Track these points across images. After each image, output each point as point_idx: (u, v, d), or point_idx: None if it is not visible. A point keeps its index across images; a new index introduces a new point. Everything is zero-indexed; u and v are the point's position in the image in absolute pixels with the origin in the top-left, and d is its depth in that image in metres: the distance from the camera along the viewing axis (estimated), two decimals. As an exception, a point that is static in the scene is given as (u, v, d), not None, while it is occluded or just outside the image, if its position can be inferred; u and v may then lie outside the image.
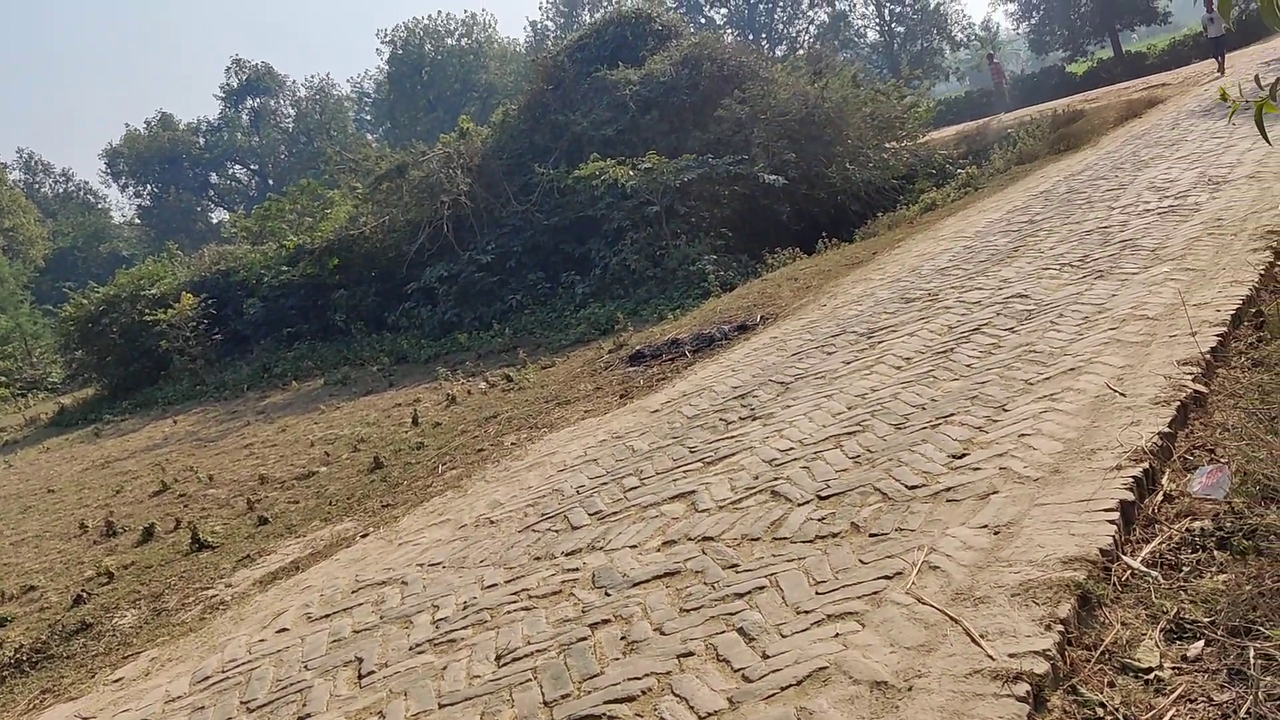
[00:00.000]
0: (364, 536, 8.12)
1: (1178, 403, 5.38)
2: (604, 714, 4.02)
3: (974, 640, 3.69)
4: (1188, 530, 4.22)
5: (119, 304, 25.60)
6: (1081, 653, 3.57)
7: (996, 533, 4.48)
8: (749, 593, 4.63)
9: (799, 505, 5.54)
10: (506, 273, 21.36)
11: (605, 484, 7.22)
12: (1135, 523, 4.40)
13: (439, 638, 5.29)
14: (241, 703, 5.28)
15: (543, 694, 4.34)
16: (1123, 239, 9.96)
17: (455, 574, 6.29)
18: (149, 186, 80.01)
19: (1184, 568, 3.99)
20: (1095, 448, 5.08)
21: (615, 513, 6.49)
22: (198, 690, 5.66)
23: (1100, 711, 3.28)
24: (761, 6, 70.04)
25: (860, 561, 4.61)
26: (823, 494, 5.60)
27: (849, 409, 7.16)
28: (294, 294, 24.14)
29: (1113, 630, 3.67)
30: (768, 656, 4.03)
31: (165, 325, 23.41)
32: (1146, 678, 3.40)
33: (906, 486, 5.32)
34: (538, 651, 4.74)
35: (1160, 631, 3.60)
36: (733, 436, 7.40)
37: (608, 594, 5.15)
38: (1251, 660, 3.29)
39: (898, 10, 66.14)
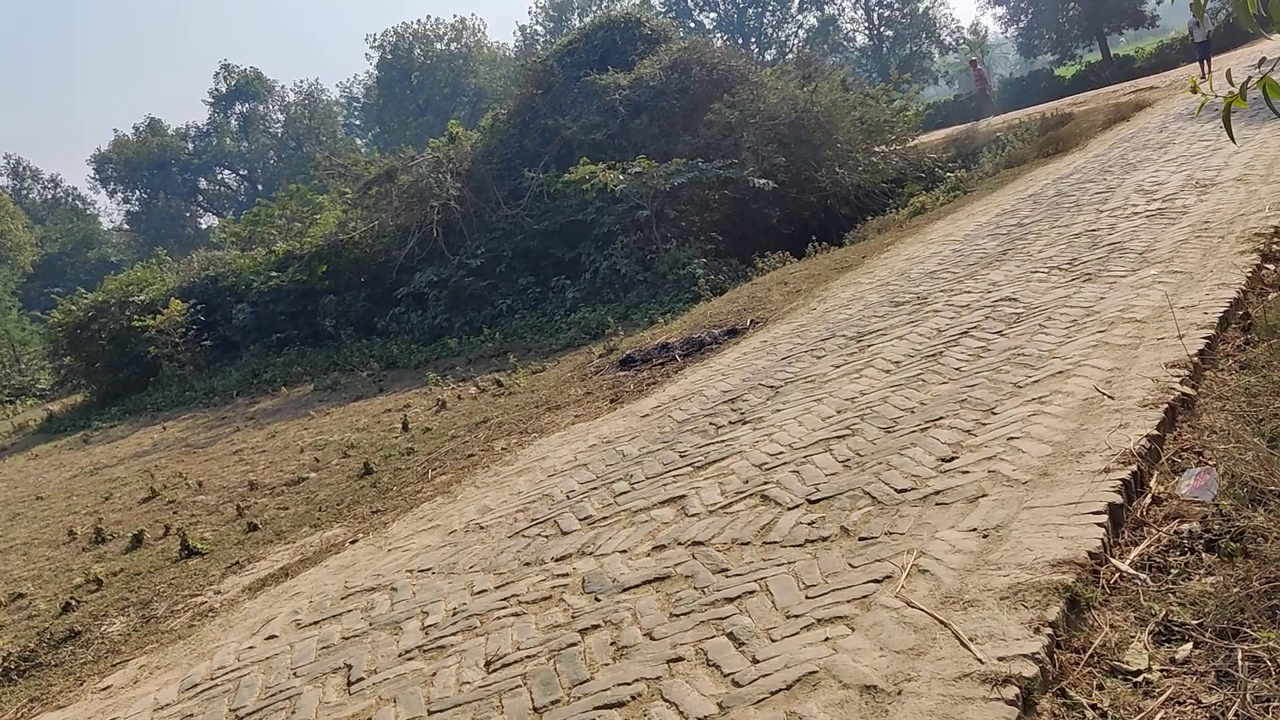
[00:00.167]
0: (353, 543, 8.10)
1: (1166, 405, 5.40)
2: (594, 720, 4.02)
3: (963, 644, 3.69)
4: (1176, 533, 4.23)
5: (108, 310, 25.50)
6: (1070, 655, 3.58)
7: (985, 536, 4.48)
8: (739, 597, 4.62)
9: (789, 509, 5.54)
10: (496, 277, 21.35)
11: (595, 489, 7.21)
12: (1124, 525, 4.41)
13: (428, 644, 5.28)
14: (230, 710, 5.25)
15: (532, 700, 4.33)
16: (1111, 242, 9.99)
17: (445, 580, 6.27)
18: (137, 192, 79.77)
19: (1172, 570, 4.00)
20: (1084, 450, 5.09)
21: (605, 518, 6.48)
22: (186, 698, 5.63)
23: (1089, 714, 3.28)
24: (750, 11, 70.17)
25: (850, 565, 4.61)
26: (812, 498, 5.60)
27: (838, 413, 7.17)
28: (283, 299, 24.08)
29: (1101, 633, 3.67)
30: (757, 661, 4.03)
31: (154, 331, 23.32)
32: (1135, 680, 3.40)
33: (896, 490, 5.33)
34: (527, 657, 4.73)
35: (1149, 634, 3.61)
36: (723, 441, 7.40)
37: (598, 599, 5.14)
38: (1239, 662, 3.30)
39: (886, 14, 66.33)
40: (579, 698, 4.22)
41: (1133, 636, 3.62)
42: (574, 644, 4.70)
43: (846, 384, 7.88)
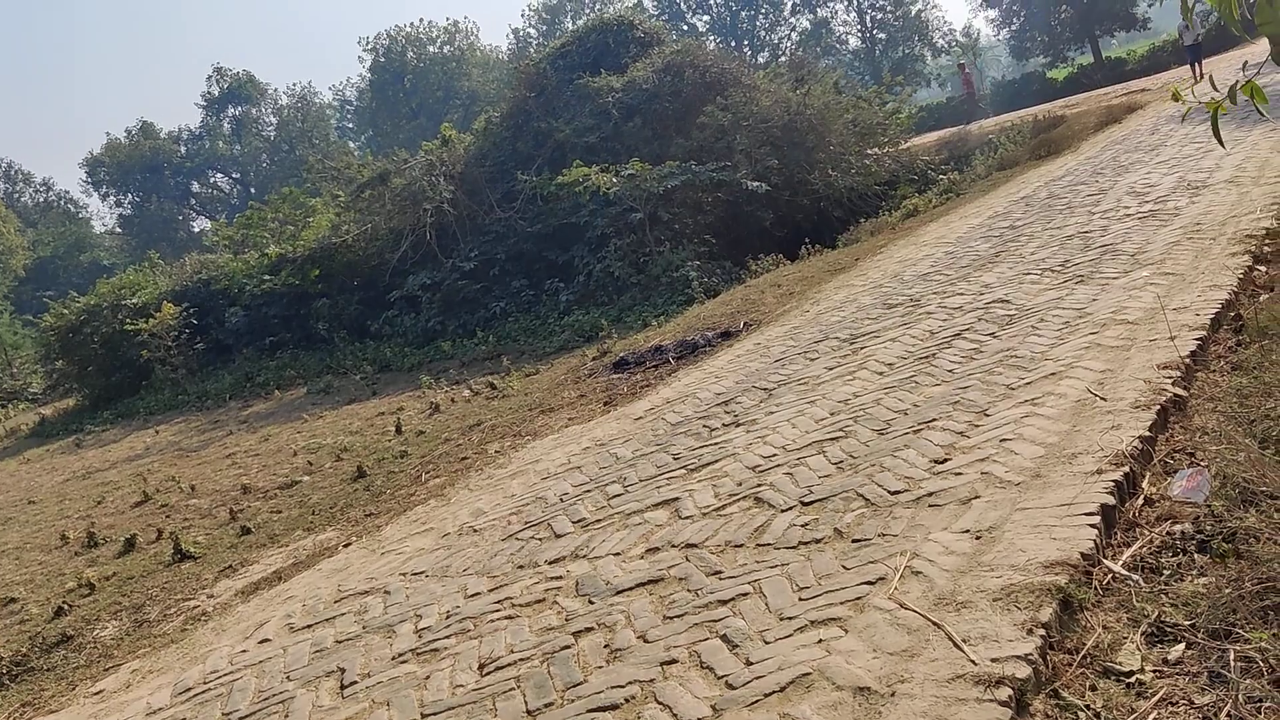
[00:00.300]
0: (347, 546, 8.09)
1: (1158, 407, 5.41)
2: (587, 722, 4.01)
3: (956, 645, 3.69)
4: (1168, 534, 4.24)
5: (100, 313, 25.43)
6: (1063, 656, 3.58)
7: (978, 537, 4.49)
8: (732, 599, 4.62)
9: (782, 511, 5.54)
10: (490, 280, 21.34)
11: (589, 491, 7.21)
12: (1116, 526, 4.42)
13: (422, 647, 5.27)
14: (223, 714, 5.24)
15: (526, 703, 4.33)
16: (1103, 244, 10.01)
17: (438, 583, 6.26)
18: (130, 195, 79.63)
19: (1165, 571, 4.00)
20: (1076, 452, 5.10)
21: (599, 520, 6.48)
22: (179, 702, 5.62)
23: (1082, 715, 3.29)
24: (744, 14, 70.27)
25: (843, 567, 4.62)
26: (806, 500, 5.60)
27: (832, 415, 7.18)
28: (276, 303, 24.04)
29: (1094, 634, 3.68)
30: (751, 663, 4.03)
31: (147, 335, 23.27)
32: (1128, 681, 3.41)
33: (889, 492, 5.33)
34: (521, 660, 4.73)
35: (1141, 635, 3.62)
36: (716, 443, 7.40)
37: (591, 602, 5.14)
38: (1232, 663, 3.30)
39: (879, 17, 66.49)
40: (573, 700, 4.22)
41: (1125, 637, 3.63)
42: (567, 646, 4.70)
43: (840, 386, 7.89)
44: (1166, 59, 39.92)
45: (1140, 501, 4.58)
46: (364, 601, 6.34)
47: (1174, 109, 20.70)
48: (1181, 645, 3.50)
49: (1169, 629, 3.61)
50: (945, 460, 5.55)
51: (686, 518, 5.96)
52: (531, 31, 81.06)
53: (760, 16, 70.73)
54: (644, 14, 47.44)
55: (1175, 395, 5.58)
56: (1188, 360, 6.05)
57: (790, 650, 4.03)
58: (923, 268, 11.97)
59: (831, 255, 16.68)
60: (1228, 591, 3.64)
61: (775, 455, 6.63)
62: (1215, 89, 2.74)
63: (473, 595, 5.81)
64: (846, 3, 68.07)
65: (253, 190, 76.66)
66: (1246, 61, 2.94)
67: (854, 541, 4.86)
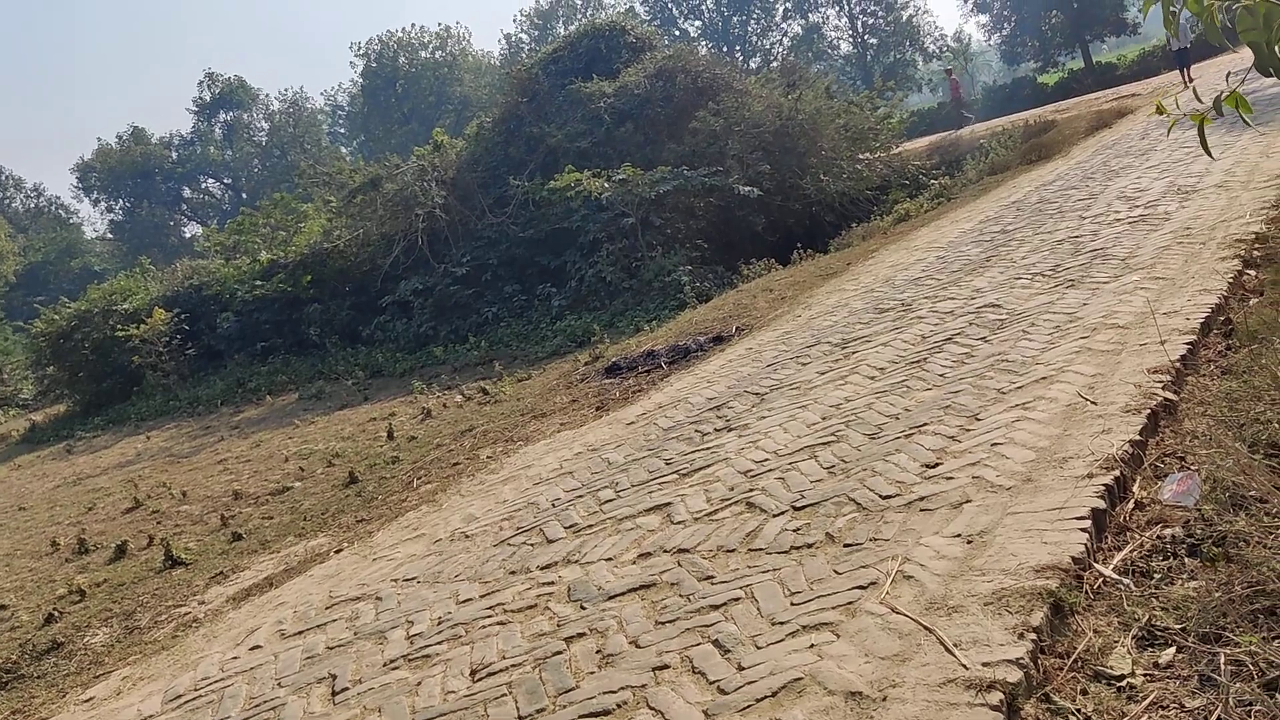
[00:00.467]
0: (338, 552, 8.07)
1: (1148, 411, 5.42)
2: (579, 728, 4.01)
3: (948, 649, 3.69)
4: (1159, 537, 4.25)
5: (91, 319, 25.38)
6: (1054, 661, 3.59)
7: (970, 542, 4.49)
8: (724, 604, 4.62)
9: (774, 516, 5.54)
10: (482, 285, 21.34)
11: (581, 497, 7.21)
12: (1107, 530, 4.43)
13: (413, 653, 5.26)
14: (214, 721, 5.23)
15: (518, 709, 4.32)
16: (1094, 248, 10.04)
17: (430, 589, 6.25)
18: (121, 201, 79.42)
19: (1155, 575, 4.01)
20: (1067, 456, 5.11)
21: (591, 526, 6.47)
22: (170, 709, 5.60)
23: (1073, 719, 3.29)
24: (735, 19, 70.37)
25: (835, 572, 4.62)
26: (798, 505, 5.60)
27: (823, 419, 7.18)
28: (268, 308, 24.01)
29: (1085, 638, 3.68)
30: (743, 668, 4.03)
31: (138, 340, 23.24)
32: (1119, 685, 3.41)
33: (880, 496, 5.34)
34: (513, 666, 4.72)
35: (1132, 639, 3.62)
36: (708, 448, 7.40)
37: (583, 607, 5.13)
38: (1222, 667, 3.31)
39: (871, 22, 66.64)
40: (565, 706, 4.21)
41: (1116, 641, 3.63)
42: (559, 652, 4.70)
43: (831, 390, 7.90)
44: (1157, 64, 40.05)
45: (1131, 505, 4.59)
46: (355, 608, 6.33)
47: (1165, 115, 20.77)
48: (1172, 649, 3.51)
49: (1160, 633, 3.61)
50: (937, 465, 5.56)
51: (678, 523, 5.96)
52: (524, 37, 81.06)
53: (752, 22, 70.82)
54: (636, 19, 47.44)
55: (1165, 399, 5.60)
56: (1178, 364, 6.07)
57: (782, 655, 4.03)
58: (914, 272, 11.99)
59: (823, 260, 16.71)
60: (1218, 595, 3.65)
61: (767, 460, 6.63)
62: (1199, 100, 2.75)
63: (465, 601, 5.80)
64: (838, 8, 68.26)
65: (244, 196, 76.48)
66: (1230, 72, 2.95)
67: (846, 546, 4.86)
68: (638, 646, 4.51)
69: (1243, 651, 3.33)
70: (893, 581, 4.33)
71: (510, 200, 22.41)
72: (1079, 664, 3.55)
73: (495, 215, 22.52)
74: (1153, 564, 4.09)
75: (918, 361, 7.91)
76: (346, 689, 5.09)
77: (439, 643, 5.29)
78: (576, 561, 5.87)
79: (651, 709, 3.98)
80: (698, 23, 71.50)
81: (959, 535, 4.58)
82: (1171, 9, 2.72)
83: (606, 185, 19.98)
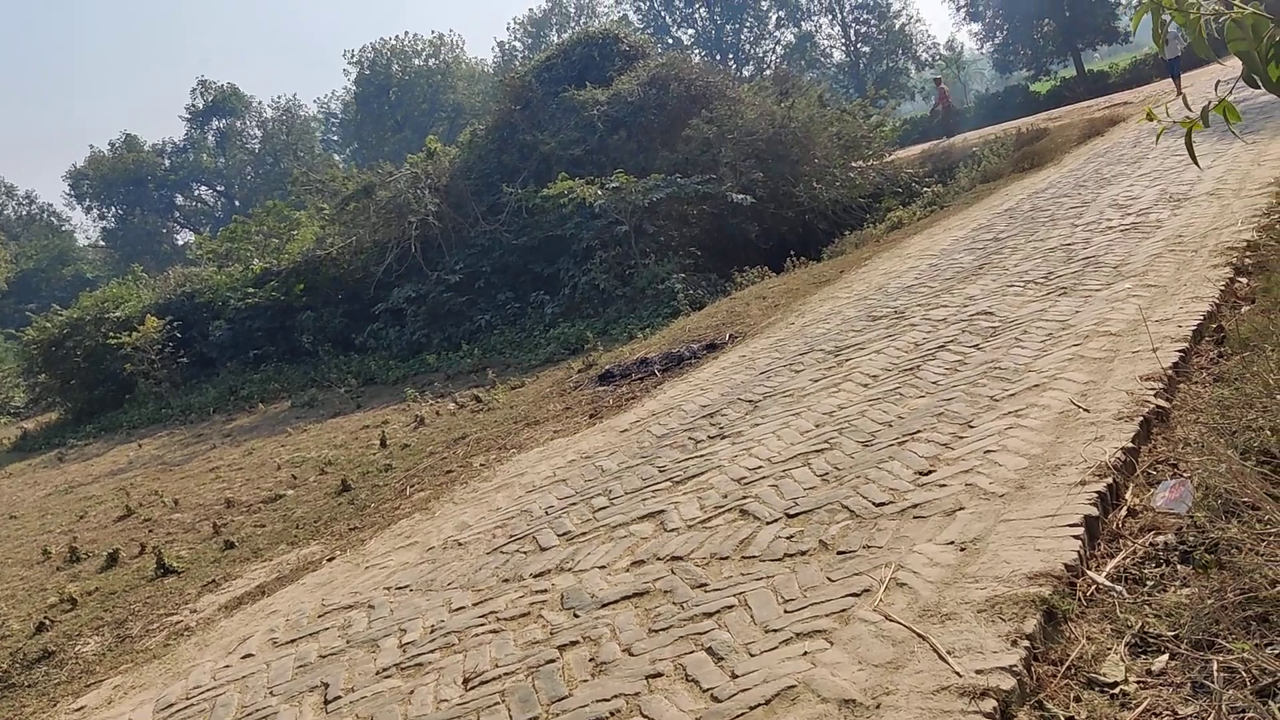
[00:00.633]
0: (331, 560, 8.05)
1: (1140, 418, 5.43)
2: (572, 737, 4.00)
3: (941, 657, 3.69)
4: (1151, 544, 4.26)
5: (83, 327, 25.31)
6: (1048, 668, 3.59)
7: (963, 549, 4.49)
8: (718, 612, 4.62)
9: (767, 524, 5.54)
10: (475, 293, 21.33)
11: (574, 504, 7.20)
12: (1100, 537, 4.43)
13: (406, 661, 5.25)
14: (206, 730, 5.21)
15: (510, 717, 4.31)
16: (1086, 256, 10.06)
17: (422, 597, 6.24)
18: (113, 208, 79.27)
19: (1148, 582, 4.01)
20: (1060, 463, 5.11)
21: (584, 533, 6.47)
22: (162, 718, 5.58)
23: (1066, 727, 3.29)
24: (728, 27, 70.52)
25: (828, 579, 4.62)
26: (791, 512, 5.60)
27: (817, 427, 7.18)
28: (260, 316, 23.97)
29: (1078, 645, 3.68)
30: (736, 676, 4.03)
31: (130, 348, 23.18)
32: (1112, 692, 3.41)
33: (874, 504, 5.34)
34: (506, 674, 4.71)
35: (1125, 646, 3.62)
36: (701, 455, 7.40)
37: (576, 615, 5.13)
38: (1215, 674, 3.31)
39: (863, 31, 66.81)
40: (558, 715, 4.20)
41: (1109, 648, 3.63)
42: (553, 660, 4.69)
43: (824, 398, 7.90)
44: (1148, 72, 40.18)
45: (1123, 512, 4.60)
46: (348, 616, 6.31)
47: (1155, 123, 20.85)
48: (1165, 656, 3.51)
49: (1152, 640, 3.62)
50: (930, 472, 5.56)
51: (672, 530, 5.95)
52: (517, 45, 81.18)
53: (745, 30, 70.97)
54: (629, 27, 47.59)
55: (1158, 407, 5.61)
56: (1170, 372, 6.08)
57: (776, 663, 4.03)
58: (907, 280, 12.01)
59: (816, 267, 16.73)
60: (1210, 602, 3.65)
61: (761, 467, 6.63)
62: (1189, 108, 2.76)
63: (457, 609, 5.79)
64: (831, 16, 68.44)
65: (237, 203, 76.44)
66: (1220, 80, 2.96)
67: (839, 553, 4.86)
68: (631, 654, 4.50)
69: (1235, 659, 3.34)
70: (886, 589, 4.33)
71: (503, 207, 22.41)
72: (1072, 671, 3.55)
73: (488, 222, 22.52)
74: (1145, 571, 4.09)
75: (911, 369, 7.92)
76: (339, 697, 5.07)
77: (432, 651, 5.27)
78: (570, 569, 5.86)
79: (644, 717, 3.97)
80: (691, 31, 71.63)
81: (952, 542, 4.59)
82: (1162, 20, 2.72)
83: (600, 193, 19.99)
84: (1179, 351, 6.41)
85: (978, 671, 3.54)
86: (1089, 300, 8.33)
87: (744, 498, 6.09)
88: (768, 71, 52.73)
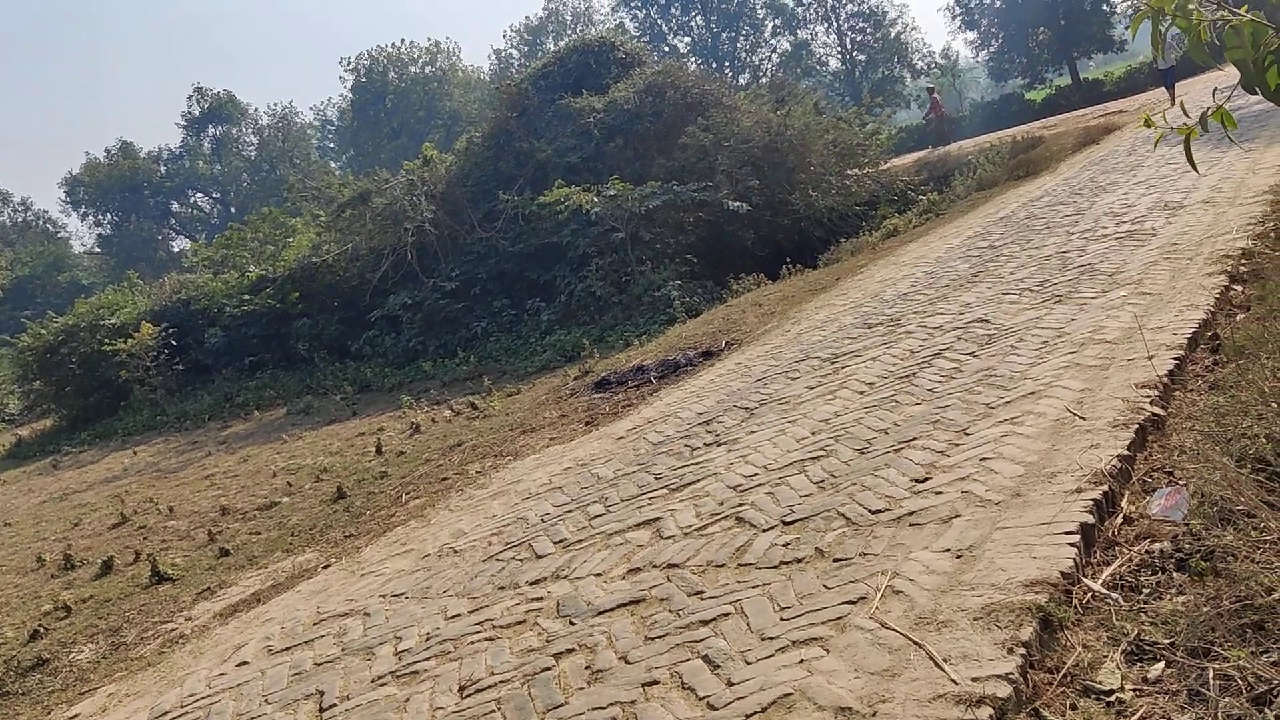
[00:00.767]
0: (326, 567, 8.04)
1: (1136, 426, 5.44)
2: (568, 745, 3.99)
3: (937, 664, 3.69)
4: (1147, 552, 4.26)
5: (78, 334, 25.27)
6: (1044, 675, 3.58)
7: (959, 556, 4.49)
8: (714, 620, 4.61)
9: (764, 531, 5.54)
10: (471, 300, 21.33)
11: (570, 512, 7.19)
12: (1095, 545, 4.43)
13: (401, 669, 5.24)
14: (200, 738, 5.19)
15: (507, 725, 4.30)
16: (1081, 264, 10.08)
17: (418, 604, 6.23)
18: (109, 215, 79.21)
19: (1144, 589, 4.02)
20: (1055, 471, 5.12)
21: (580, 541, 6.46)
22: (156, 726, 5.56)
23: (1063, 735, 3.29)
24: (725, 35, 70.64)
25: (824, 587, 4.61)
26: (787, 519, 5.60)
27: (813, 434, 7.18)
28: (256, 323, 23.95)
29: (1074, 653, 3.68)
30: (733, 684, 4.02)
31: (125, 355, 23.16)
32: (1108, 700, 3.41)
33: (870, 511, 5.34)
34: (501, 682, 4.70)
35: (1121, 653, 3.62)
36: (698, 463, 7.39)
37: (572, 623, 5.12)
38: (1211, 681, 3.31)
39: (859, 39, 66.93)
40: (553, 722, 4.19)
41: (1105, 656, 3.63)
42: (548, 668, 4.68)
43: (821, 405, 7.90)
44: (1143, 81, 40.33)
45: (1119, 520, 4.60)
46: (343, 623, 6.30)
47: (1151, 131, 20.90)
48: (1161, 664, 3.51)
49: (1149, 647, 3.62)
50: (926, 479, 5.56)
51: (668, 538, 5.95)
52: (513, 52, 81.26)
53: (741, 38, 71.10)
54: (625, 35, 47.63)
55: (1153, 414, 5.62)
56: (1166, 379, 6.09)
57: (772, 670, 4.02)
58: (903, 287, 12.02)
59: (812, 275, 16.75)
60: (1206, 610, 3.66)
61: (757, 474, 6.63)
62: (1187, 115, 2.77)
63: (453, 617, 5.78)
64: (826, 25, 68.55)
65: (233, 210, 76.36)
66: (1217, 88, 2.98)
67: (835, 561, 4.85)
68: (627, 662, 4.49)
69: (1231, 666, 3.34)
70: (882, 596, 4.33)
71: (500, 215, 22.42)
72: (1068, 679, 3.55)
73: (484, 230, 22.53)
74: (1141, 579, 4.10)
75: (906, 376, 7.92)
76: (334, 705, 5.06)
77: (427, 659, 5.26)
78: (566, 577, 5.86)
79: (641, 725, 3.96)
80: (687, 39, 71.76)
81: (948, 550, 4.59)
82: (1160, 27, 2.74)
83: (596, 200, 20.01)
84: (1174, 359, 6.41)
85: (974, 679, 3.54)
86: (1084, 308, 8.34)
87: (740, 505, 6.09)
88: (764, 79, 52.82)
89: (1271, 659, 3.33)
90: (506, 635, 5.24)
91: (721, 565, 5.24)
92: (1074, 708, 3.41)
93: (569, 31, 76.72)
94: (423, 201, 22.81)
